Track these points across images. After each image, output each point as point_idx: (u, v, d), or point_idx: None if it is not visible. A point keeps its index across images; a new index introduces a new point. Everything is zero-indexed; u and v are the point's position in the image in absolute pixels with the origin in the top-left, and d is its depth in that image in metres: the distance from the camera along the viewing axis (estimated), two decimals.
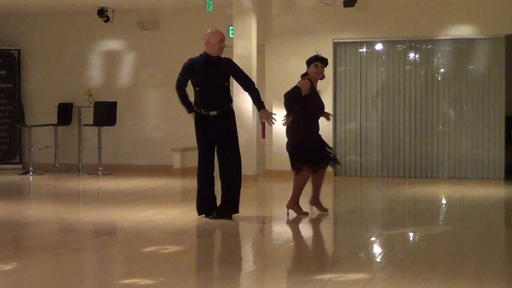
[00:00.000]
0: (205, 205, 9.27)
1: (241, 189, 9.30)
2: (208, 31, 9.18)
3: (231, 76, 9.18)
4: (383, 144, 13.93)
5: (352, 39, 14.01)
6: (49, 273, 6.57)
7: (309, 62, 9.47)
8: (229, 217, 9.18)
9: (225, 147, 9.14)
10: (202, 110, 9.12)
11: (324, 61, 9.49)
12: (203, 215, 9.27)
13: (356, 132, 14.06)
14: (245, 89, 9.29)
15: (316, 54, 9.58)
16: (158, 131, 15.27)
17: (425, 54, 13.79)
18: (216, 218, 9.15)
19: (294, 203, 9.48)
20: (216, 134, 9.10)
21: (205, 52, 9.15)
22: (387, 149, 13.91)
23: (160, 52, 15.25)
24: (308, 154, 9.32)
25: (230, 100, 9.22)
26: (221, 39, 9.08)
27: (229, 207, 9.21)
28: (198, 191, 9.28)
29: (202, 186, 9.22)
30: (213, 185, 9.24)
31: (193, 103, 9.29)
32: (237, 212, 9.28)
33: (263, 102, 9.19)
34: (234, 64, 9.30)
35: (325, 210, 9.69)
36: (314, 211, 9.68)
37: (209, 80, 9.05)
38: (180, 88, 9.38)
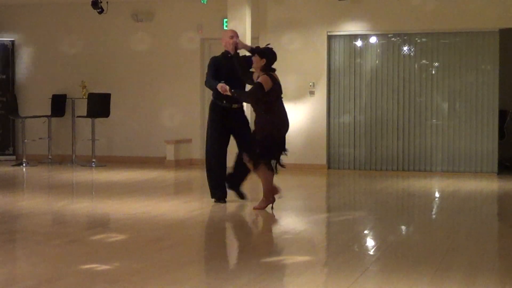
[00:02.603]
0: (220, 190, 9.78)
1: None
2: (223, 32, 10.08)
3: None
4: (377, 137, 13.94)
5: (347, 32, 14.01)
6: (42, 265, 6.57)
7: (255, 51, 9.34)
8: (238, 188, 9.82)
9: (244, 137, 9.62)
10: (224, 102, 9.61)
11: (269, 53, 9.42)
12: (221, 200, 9.79)
13: (349, 125, 14.07)
14: None
15: (268, 44, 9.52)
16: (152, 123, 15.26)
17: (419, 48, 13.79)
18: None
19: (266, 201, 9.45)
20: (235, 125, 9.71)
21: (225, 50, 9.73)
22: (380, 142, 13.92)
23: (154, 43, 15.22)
24: (273, 149, 9.26)
25: None
26: (231, 35, 9.67)
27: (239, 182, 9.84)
28: (210, 177, 9.81)
29: (215, 172, 9.72)
30: (225, 170, 9.80)
31: (214, 97, 9.75)
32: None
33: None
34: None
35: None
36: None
37: (230, 76, 9.50)
38: (210, 84, 9.64)
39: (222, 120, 9.68)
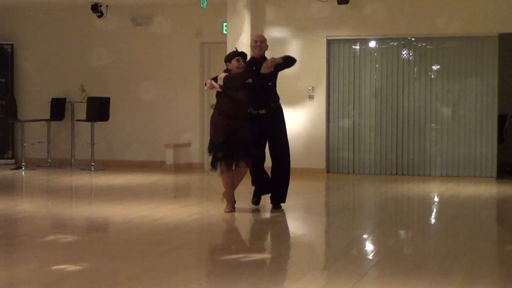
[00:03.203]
0: (255, 196, 9.85)
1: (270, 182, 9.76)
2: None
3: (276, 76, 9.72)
4: (376, 141, 13.94)
5: (346, 36, 14.01)
6: (41, 269, 6.57)
7: (230, 58, 9.50)
8: (277, 206, 9.72)
9: (276, 142, 9.66)
10: (251, 109, 9.55)
11: (244, 56, 9.56)
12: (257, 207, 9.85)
13: (349, 129, 14.07)
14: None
15: (235, 49, 9.71)
16: (151, 127, 15.25)
17: (419, 52, 13.80)
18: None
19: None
20: (265, 131, 9.59)
21: (252, 56, 9.83)
22: (380, 147, 13.92)
23: (153, 48, 15.23)
24: (218, 152, 9.32)
25: (276, 99, 9.71)
26: (255, 40, 9.78)
27: (278, 196, 9.74)
28: (251, 182, 9.86)
29: (253, 177, 9.74)
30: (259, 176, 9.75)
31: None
32: (284, 201, 9.79)
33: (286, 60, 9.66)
34: (275, 58, 9.64)
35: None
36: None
37: (255, 81, 9.46)
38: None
39: (254, 126, 9.50)
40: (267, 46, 9.80)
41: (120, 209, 9.86)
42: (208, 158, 9.96)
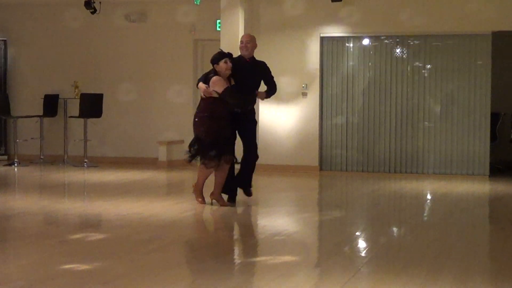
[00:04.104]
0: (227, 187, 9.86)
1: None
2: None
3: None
4: (369, 139, 13.95)
5: (339, 34, 14.01)
6: (33, 265, 6.56)
7: (217, 59, 9.55)
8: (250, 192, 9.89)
9: (249, 134, 9.79)
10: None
11: (230, 56, 9.63)
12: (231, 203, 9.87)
13: (342, 126, 14.08)
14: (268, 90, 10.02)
15: (220, 50, 9.81)
16: (144, 124, 15.24)
17: (412, 50, 13.81)
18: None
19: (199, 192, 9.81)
20: (239, 127, 9.72)
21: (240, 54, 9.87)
22: (373, 144, 13.93)
23: (147, 44, 15.21)
24: (210, 150, 9.46)
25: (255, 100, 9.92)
26: (241, 40, 9.83)
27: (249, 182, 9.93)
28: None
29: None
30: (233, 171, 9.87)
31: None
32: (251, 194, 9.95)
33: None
34: (268, 68, 9.94)
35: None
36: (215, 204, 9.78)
37: (242, 80, 9.59)
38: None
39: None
40: (256, 45, 9.88)
41: (113, 205, 9.84)
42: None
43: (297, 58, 14.05)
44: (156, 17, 15.17)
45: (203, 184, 9.78)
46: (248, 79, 9.67)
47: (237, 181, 9.87)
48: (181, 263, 6.93)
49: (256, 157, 9.92)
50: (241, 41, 9.83)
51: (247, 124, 9.77)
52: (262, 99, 10.04)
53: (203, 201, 9.74)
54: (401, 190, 12.15)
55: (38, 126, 15.23)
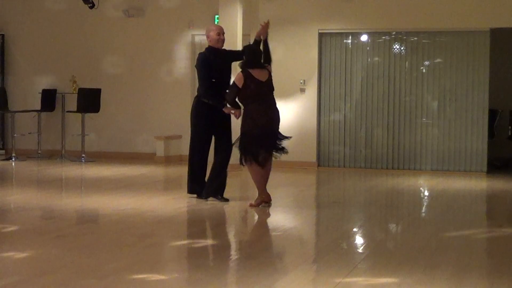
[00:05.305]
0: (197, 185, 9.75)
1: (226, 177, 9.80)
2: (208, 27, 9.82)
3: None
4: (367, 135, 13.95)
5: (338, 30, 14.01)
6: (31, 260, 6.55)
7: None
8: (216, 195, 9.68)
9: (224, 134, 9.66)
10: (207, 101, 9.52)
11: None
12: (195, 195, 9.78)
13: (340, 123, 14.08)
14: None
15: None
16: (142, 119, 15.23)
17: (410, 46, 13.81)
18: (206, 198, 9.70)
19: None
20: (218, 124, 9.57)
21: (210, 46, 9.67)
22: (370, 140, 13.93)
23: (145, 39, 15.19)
24: (252, 146, 9.27)
25: None
26: (219, 33, 9.65)
27: (217, 188, 9.71)
28: (191, 171, 9.74)
29: (197, 167, 9.67)
30: (205, 168, 9.76)
31: (201, 94, 9.62)
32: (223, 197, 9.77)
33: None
34: (225, 49, 9.84)
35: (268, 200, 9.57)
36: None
37: (220, 72, 9.56)
38: (210, 94, 9.57)
39: (210, 118, 9.55)
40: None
41: (110, 200, 9.84)
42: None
43: (295, 54, 14.05)
44: (154, 12, 15.15)
45: (258, 183, 9.47)
46: (226, 68, 9.67)
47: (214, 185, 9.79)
48: (177, 258, 6.93)
49: (228, 160, 9.78)
50: (218, 33, 9.64)
51: (221, 121, 9.63)
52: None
53: (269, 197, 9.47)
54: (398, 187, 12.15)
55: (35, 121, 15.21)
